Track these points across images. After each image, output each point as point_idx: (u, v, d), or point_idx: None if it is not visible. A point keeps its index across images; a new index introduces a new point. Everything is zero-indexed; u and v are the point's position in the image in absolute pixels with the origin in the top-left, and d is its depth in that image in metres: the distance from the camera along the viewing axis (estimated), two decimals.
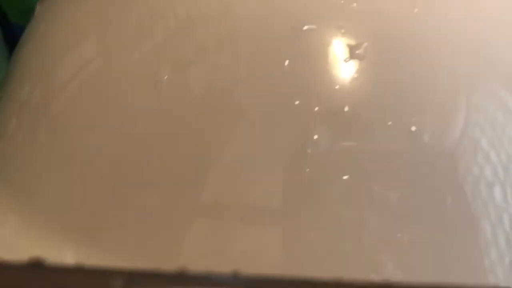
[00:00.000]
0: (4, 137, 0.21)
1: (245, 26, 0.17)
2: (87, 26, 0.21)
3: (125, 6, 0.20)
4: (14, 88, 0.22)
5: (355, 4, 0.15)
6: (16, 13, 0.39)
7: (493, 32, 0.19)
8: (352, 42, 0.15)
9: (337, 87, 0.15)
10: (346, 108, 0.15)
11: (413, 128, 0.15)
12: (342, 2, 0.15)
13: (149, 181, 0.18)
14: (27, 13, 0.41)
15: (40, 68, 0.21)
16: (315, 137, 0.15)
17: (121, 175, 0.18)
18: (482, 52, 0.18)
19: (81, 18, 0.21)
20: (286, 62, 0.15)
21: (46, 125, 0.20)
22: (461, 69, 0.17)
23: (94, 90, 0.20)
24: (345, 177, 0.15)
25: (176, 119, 0.18)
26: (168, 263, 0.17)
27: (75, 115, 0.20)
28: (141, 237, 0.18)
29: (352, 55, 0.15)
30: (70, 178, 0.19)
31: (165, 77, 0.18)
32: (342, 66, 0.15)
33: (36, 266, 0.08)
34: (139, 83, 0.19)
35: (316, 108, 0.15)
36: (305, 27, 0.15)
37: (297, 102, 0.15)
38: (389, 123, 0.15)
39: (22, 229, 0.18)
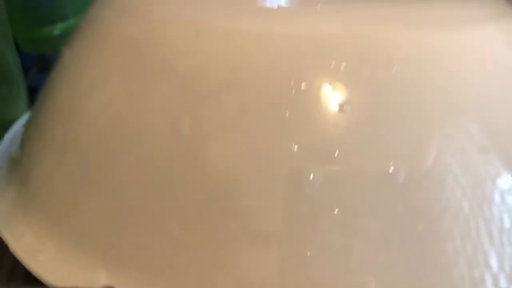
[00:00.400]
0: (38, 171, 0.24)
1: (252, 79, 0.20)
2: (111, 70, 0.24)
3: (145, 54, 0.23)
4: (44, 123, 0.25)
5: (343, 66, 0.19)
6: (27, 43, 0.42)
7: (459, 76, 0.22)
8: (341, 99, 0.18)
9: (328, 136, 0.18)
10: (336, 154, 0.18)
11: (391, 170, 0.18)
12: (332, 66, 0.18)
13: (168, 210, 0.21)
14: (37, 44, 0.43)
15: (69, 106, 0.24)
16: (311, 177, 0.18)
17: (142, 204, 0.21)
18: (451, 98, 0.21)
19: (106, 62, 0.24)
20: (287, 114, 0.19)
21: (74, 159, 0.23)
22: (432, 114, 0.21)
23: (117, 127, 0.23)
24: (335, 211, 0.18)
25: (191, 155, 0.21)
26: (188, 282, 0.20)
27: (100, 150, 0.23)
28: (162, 259, 0.21)
29: (341, 109, 0.18)
30: (98, 208, 0.22)
31: (180, 117, 0.21)
32: (333, 119, 0.18)
33: None
34: (157, 122, 0.22)
35: (312, 153, 0.18)
36: (303, 86, 0.18)
37: (295, 148, 0.18)
38: (372, 166, 0.18)
39: (59, 254, 0.21)
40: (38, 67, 0.44)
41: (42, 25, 0.43)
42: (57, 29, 0.43)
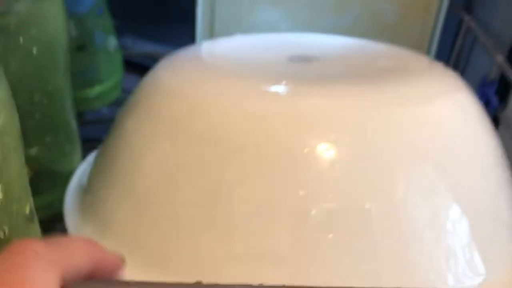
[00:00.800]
0: (108, 208, 0.32)
1: (269, 145, 0.28)
2: (160, 136, 0.32)
3: (185, 125, 0.31)
4: (109, 173, 0.33)
5: (332, 136, 0.27)
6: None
7: (418, 140, 0.31)
8: (332, 158, 0.27)
9: (324, 184, 0.27)
10: (330, 196, 0.27)
11: (367, 206, 0.27)
12: (324, 136, 0.27)
13: (203, 234, 0.29)
14: (78, 103, 0.52)
15: (129, 160, 0.33)
16: (313, 212, 0.26)
17: (188, 232, 0.29)
18: (413, 154, 0.30)
19: (156, 130, 0.32)
20: (295, 169, 0.27)
21: (135, 200, 0.31)
22: (399, 166, 0.29)
23: (166, 177, 0.31)
24: (330, 235, 0.26)
25: (222, 197, 0.29)
26: None
27: (154, 194, 0.31)
28: (202, 269, 0.29)
29: (332, 166, 0.27)
30: (157, 235, 0.30)
31: (213, 170, 0.30)
32: (327, 172, 0.27)
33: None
34: (195, 174, 0.30)
35: (313, 196, 0.27)
36: (305, 150, 0.27)
37: (301, 193, 0.27)
38: (354, 203, 0.27)
39: (133, 269, 0.29)
40: (77, 123, 0.52)
41: (83, 88, 0.51)
42: (95, 91, 0.52)
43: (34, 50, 0.31)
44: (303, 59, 0.36)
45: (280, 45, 0.39)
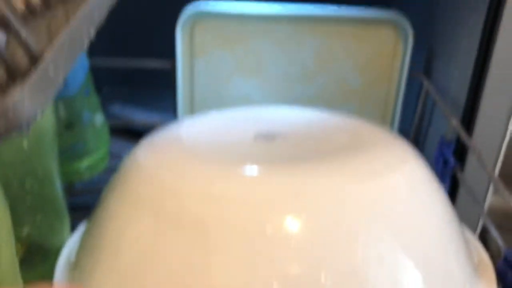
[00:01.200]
0: (94, 280, 0.35)
1: (236, 223, 0.32)
2: (138, 216, 0.36)
3: (160, 207, 0.35)
4: (94, 247, 0.37)
5: (290, 215, 0.31)
6: (60, 176, 0.54)
7: (372, 210, 0.34)
8: (290, 235, 0.31)
9: (282, 257, 0.30)
10: (290, 268, 0.30)
11: (322, 277, 0.30)
12: (284, 215, 0.31)
13: None
14: (68, 176, 0.55)
15: (112, 237, 0.36)
16: (274, 285, 0.30)
17: None
18: (368, 223, 0.34)
19: (134, 211, 0.36)
20: (259, 244, 0.31)
21: (118, 273, 0.35)
22: (356, 235, 0.33)
23: (144, 252, 0.34)
24: None
25: (196, 270, 0.32)
26: None
27: (136, 268, 0.34)
28: None
29: (288, 241, 0.30)
30: None
31: (186, 247, 0.33)
32: (284, 247, 0.30)
33: None
34: (169, 250, 0.33)
35: (273, 268, 0.30)
36: (267, 228, 0.31)
37: (263, 268, 0.30)
38: (310, 274, 0.30)
39: None
40: (68, 194, 0.55)
41: (72, 161, 0.55)
42: (83, 163, 0.56)
43: (25, 145, 0.34)
44: (269, 137, 0.40)
45: (249, 122, 0.43)
